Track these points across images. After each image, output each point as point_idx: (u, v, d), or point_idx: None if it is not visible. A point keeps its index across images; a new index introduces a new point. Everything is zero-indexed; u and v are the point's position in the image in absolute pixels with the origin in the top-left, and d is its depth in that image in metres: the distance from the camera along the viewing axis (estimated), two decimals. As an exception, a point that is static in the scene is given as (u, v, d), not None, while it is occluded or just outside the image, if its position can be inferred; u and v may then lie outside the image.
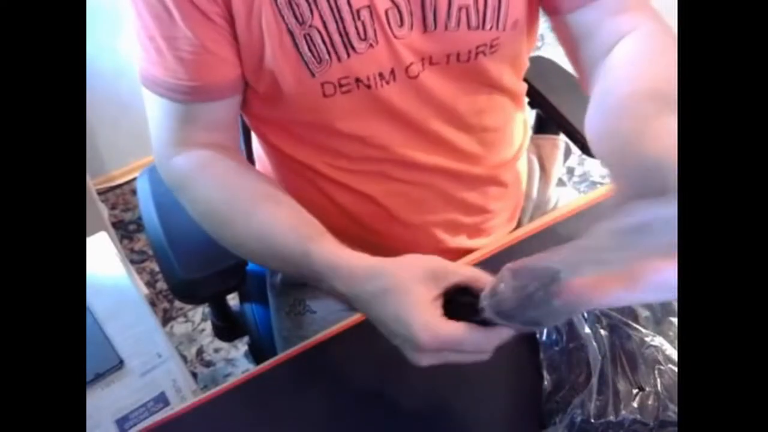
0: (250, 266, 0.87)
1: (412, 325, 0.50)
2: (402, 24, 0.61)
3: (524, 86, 0.79)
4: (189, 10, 0.58)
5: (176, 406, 0.65)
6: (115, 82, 1.66)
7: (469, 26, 0.62)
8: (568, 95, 0.95)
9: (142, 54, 0.63)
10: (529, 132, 0.87)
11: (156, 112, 0.65)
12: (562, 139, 0.98)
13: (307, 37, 0.60)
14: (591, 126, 0.55)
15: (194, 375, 1.47)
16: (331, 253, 0.57)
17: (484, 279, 0.52)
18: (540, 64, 0.98)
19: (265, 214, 0.62)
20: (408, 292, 0.51)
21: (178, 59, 0.60)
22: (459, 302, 0.52)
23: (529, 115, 0.91)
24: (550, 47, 2.37)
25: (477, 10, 0.62)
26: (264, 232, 0.61)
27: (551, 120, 0.98)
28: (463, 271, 0.53)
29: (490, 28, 0.63)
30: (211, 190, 0.64)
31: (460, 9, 0.61)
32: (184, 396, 0.70)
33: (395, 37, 0.62)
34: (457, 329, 0.50)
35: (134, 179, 1.82)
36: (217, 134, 0.67)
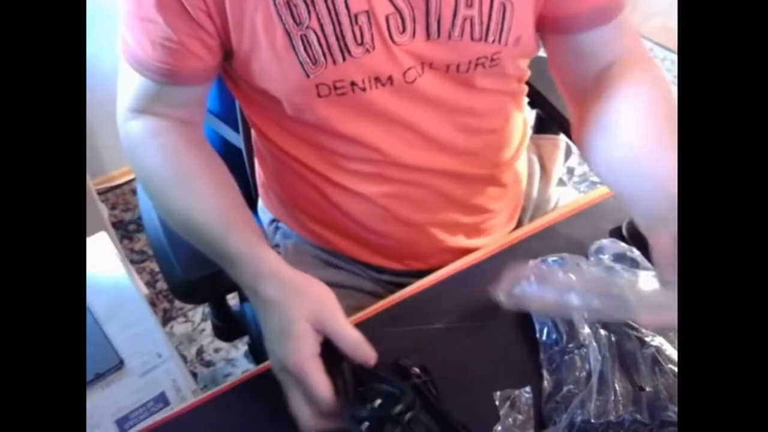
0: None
1: (289, 351, 0.54)
2: (404, 30, 0.61)
3: (524, 88, 0.79)
4: (167, 1, 0.58)
5: (176, 406, 0.65)
6: (115, 82, 1.65)
7: (472, 37, 0.62)
8: (568, 95, 0.95)
9: (123, 26, 0.63)
10: (529, 131, 0.87)
11: (126, 79, 0.67)
12: (563, 139, 0.98)
13: (304, 38, 0.60)
14: (602, 154, 0.63)
15: (194, 375, 1.47)
16: (248, 243, 0.60)
17: (359, 349, 0.54)
18: (540, 64, 0.98)
19: (199, 193, 0.64)
20: (294, 322, 0.54)
21: (150, 41, 0.61)
22: (332, 368, 0.54)
23: (529, 115, 0.91)
24: (550, 47, 2.37)
25: (481, 22, 0.62)
26: (192, 208, 0.63)
27: (551, 120, 0.98)
28: (345, 333, 0.55)
29: (493, 41, 0.63)
30: (156, 158, 0.66)
31: (464, 20, 0.61)
32: (184, 396, 0.70)
33: (395, 42, 0.62)
34: (321, 383, 0.52)
35: (134, 179, 1.82)
36: (181, 111, 0.68)
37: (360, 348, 0.54)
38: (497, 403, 0.58)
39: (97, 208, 1.43)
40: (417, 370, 0.58)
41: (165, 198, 0.66)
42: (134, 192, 1.84)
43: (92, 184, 1.48)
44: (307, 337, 0.54)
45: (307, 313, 0.55)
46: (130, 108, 0.68)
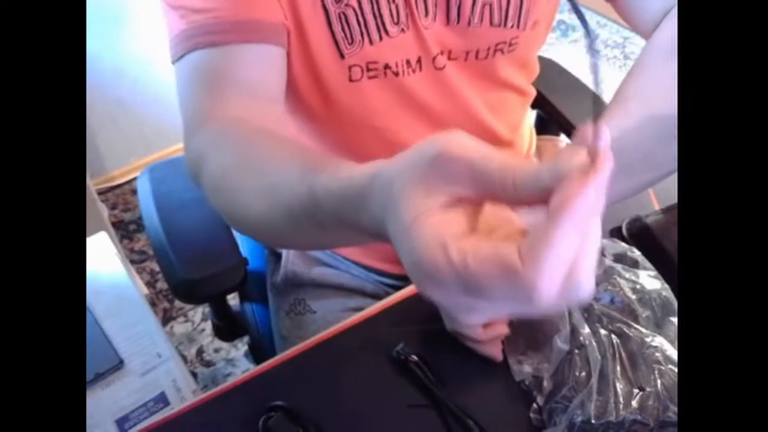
0: (251, 266, 0.87)
1: (398, 229, 0.32)
2: (427, 14, 0.61)
3: (533, 91, 0.79)
4: None
5: (176, 406, 0.65)
6: (115, 82, 1.66)
7: (491, 23, 0.63)
8: (568, 96, 0.95)
9: (173, 18, 0.56)
10: (534, 139, 0.87)
11: (187, 86, 0.57)
12: (563, 139, 0.98)
13: (342, 16, 0.59)
14: None
15: (194, 375, 1.47)
16: (329, 183, 0.39)
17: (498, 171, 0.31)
18: (540, 64, 0.99)
19: (273, 165, 0.48)
20: (397, 201, 0.32)
21: None
22: None
23: (530, 116, 0.91)
24: (550, 47, 2.37)
25: (500, 8, 0.62)
26: (272, 185, 0.46)
27: (552, 120, 0.98)
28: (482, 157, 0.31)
29: (512, 26, 0.63)
30: (224, 158, 0.51)
31: (484, 5, 0.62)
32: (184, 396, 0.70)
33: (422, 26, 0.61)
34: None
35: (134, 179, 1.82)
36: (253, 102, 0.55)
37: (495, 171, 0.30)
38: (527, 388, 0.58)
39: (97, 208, 1.43)
40: (414, 357, 0.58)
41: (241, 198, 0.49)
42: (134, 192, 1.84)
43: (92, 184, 1.48)
44: (414, 199, 0.31)
45: (409, 177, 0.32)
46: (194, 120, 0.55)
